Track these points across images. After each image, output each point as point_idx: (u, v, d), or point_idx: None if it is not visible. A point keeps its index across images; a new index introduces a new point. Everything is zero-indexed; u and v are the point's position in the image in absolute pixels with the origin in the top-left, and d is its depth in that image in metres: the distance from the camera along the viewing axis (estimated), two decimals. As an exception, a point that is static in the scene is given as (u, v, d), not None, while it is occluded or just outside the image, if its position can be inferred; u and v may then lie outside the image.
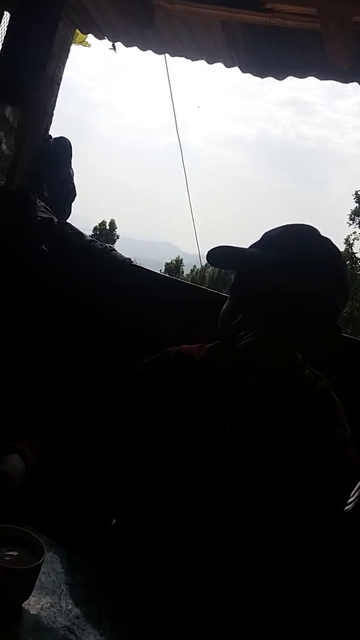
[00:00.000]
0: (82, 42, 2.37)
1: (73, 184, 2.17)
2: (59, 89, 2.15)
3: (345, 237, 25.83)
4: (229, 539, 0.91)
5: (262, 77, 1.97)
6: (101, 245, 1.84)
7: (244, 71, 1.97)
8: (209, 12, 1.78)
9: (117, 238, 32.58)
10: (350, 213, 26.04)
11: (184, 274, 31.70)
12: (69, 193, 2.17)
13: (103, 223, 32.76)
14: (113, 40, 2.16)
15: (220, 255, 0.98)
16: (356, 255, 25.32)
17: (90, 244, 1.84)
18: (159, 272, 1.91)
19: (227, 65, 2.01)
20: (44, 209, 1.95)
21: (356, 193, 25.20)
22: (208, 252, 0.98)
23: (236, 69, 2.00)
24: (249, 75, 1.99)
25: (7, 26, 2.11)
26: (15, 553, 0.78)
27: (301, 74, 1.87)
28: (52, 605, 0.78)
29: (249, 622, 0.88)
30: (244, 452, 0.86)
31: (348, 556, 0.82)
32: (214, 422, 0.97)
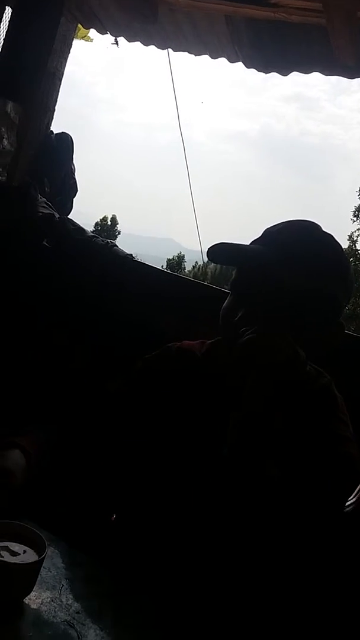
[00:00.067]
0: (84, 37, 2.36)
1: (74, 179, 2.17)
2: (60, 84, 2.14)
3: (349, 234, 25.79)
4: (229, 535, 0.91)
5: (266, 73, 1.96)
6: (102, 241, 1.84)
7: (247, 66, 1.96)
8: (213, 6, 1.77)
9: (119, 234, 32.58)
10: (354, 210, 25.99)
11: (185, 270, 31.69)
12: (71, 189, 2.16)
13: (104, 219, 32.75)
14: (115, 35, 2.14)
15: (220, 252, 0.98)
16: (359, 252, 25.30)
17: (92, 239, 1.84)
18: (160, 268, 1.90)
19: (231, 61, 2.00)
20: (45, 205, 1.94)
21: (360, 190, 25.16)
22: (208, 248, 0.98)
23: (240, 64, 1.99)
24: (252, 70, 1.97)
25: (9, 21, 2.10)
26: (17, 548, 0.78)
27: (306, 70, 1.86)
28: (52, 600, 0.78)
29: (248, 618, 0.88)
30: (245, 449, 0.86)
31: (348, 553, 0.82)
32: (215, 418, 0.98)
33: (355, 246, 25.39)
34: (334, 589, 0.83)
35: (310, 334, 0.94)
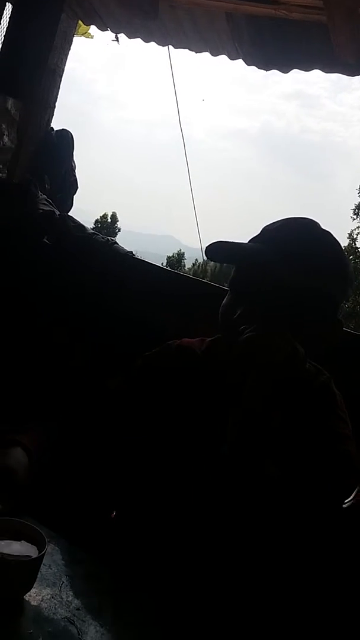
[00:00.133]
0: (85, 34, 2.35)
1: (75, 176, 2.17)
2: (61, 80, 2.14)
3: (349, 232, 25.76)
4: (229, 533, 0.91)
5: (266, 70, 1.96)
6: (103, 238, 1.84)
7: (248, 64, 1.96)
8: (214, 3, 1.76)
9: (119, 231, 32.54)
10: (354, 207, 25.96)
11: (185, 268, 31.66)
12: (71, 186, 2.16)
13: (105, 216, 32.71)
14: (116, 31, 2.14)
15: (219, 251, 0.98)
16: (359, 250, 25.27)
17: (92, 237, 1.84)
18: (160, 265, 1.90)
19: (232, 58, 1.99)
20: (45, 202, 1.94)
21: (360, 187, 25.13)
22: (207, 247, 0.98)
23: (240, 62, 1.98)
24: (253, 67, 1.97)
25: (9, 18, 2.09)
26: (17, 545, 0.78)
27: (306, 67, 1.86)
28: (52, 597, 0.78)
29: (248, 615, 0.89)
30: (245, 446, 0.87)
31: (347, 550, 0.82)
32: (214, 416, 0.98)
33: (355, 244, 25.37)
34: (333, 585, 0.83)
35: (309, 332, 0.94)
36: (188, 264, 33.31)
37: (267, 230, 1.01)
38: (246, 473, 0.86)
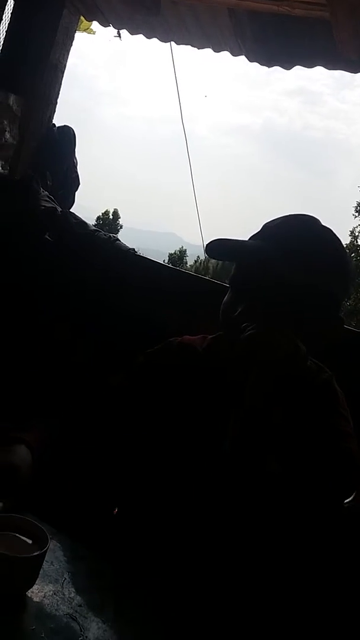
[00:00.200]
0: (87, 30, 2.34)
1: (77, 173, 2.16)
2: (63, 77, 2.13)
3: (351, 230, 25.67)
4: (230, 530, 0.92)
5: (269, 67, 1.95)
6: (105, 235, 1.84)
7: (250, 60, 1.95)
8: (216, -1, 1.75)
9: (121, 228, 32.51)
10: (356, 205, 25.86)
11: (187, 265, 31.64)
12: (73, 182, 2.15)
13: (106, 213, 32.67)
14: (118, 27, 2.13)
15: (219, 248, 0.98)
16: (361, 247, 25.22)
17: (94, 233, 1.84)
18: (162, 262, 1.90)
19: (234, 54, 1.98)
20: (47, 198, 1.94)
21: (362, 185, 25.03)
22: (207, 244, 0.97)
23: (243, 58, 1.97)
24: (255, 64, 1.96)
25: (11, 13, 2.08)
26: (19, 541, 0.79)
27: (309, 64, 1.85)
28: (55, 593, 0.79)
29: (249, 612, 0.89)
30: (246, 444, 0.87)
31: (347, 548, 0.82)
32: (216, 413, 0.98)
33: (357, 242, 25.30)
34: (333, 583, 0.83)
35: (310, 329, 0.94)
36: (190, 261, 33.27)
37: (267, 227, 1.00)
38: (247, 470, 0.86)
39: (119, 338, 1.68)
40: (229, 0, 1.73)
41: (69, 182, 2.14)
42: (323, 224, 1.00)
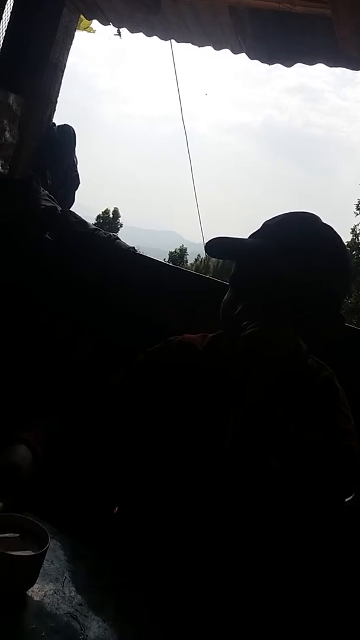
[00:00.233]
0: (87, 28, 2.34)
1: (77, 172, 2.16)
2: (62, 75, 2.13)
3: (352, 227, 25.62)
4: (230, 529, 0.92)
5: (270, 64, 1.94)
6: (105, 233, 1.84)
7: (251, 57, 1.95)
8: (216, -4, 1.75)
9: (121, 226, 32.50)
10: (357, 202, 25.79)
11: (187, 263, 31.62)
12: (73, 181, 2.15)
13: (107, 211, 32.66)
14: (118, 26, 2.13)
15: (219, 247, 0.98)
16: (362, 245, 25.16)
17: (94, 232, 1.83)
18: (162, 261, 1.90)
19: (235, 52, 1.98)
20: (47, 198, 1.94)
21: (363, 183, 24.94)
22: (207, 243, 0.97)
23: (243, 55, 1.97)
24: (256, 61, 1.96)
25: (11, 12, 2.08)
26: (19, 541, 0.79)
27: (310, 61, 1.84)
28: (55, 592, 0.79)
29: (249, 611, 0.89)
30: (247, 442, 0.87)
31: (348, 546, 0.82)
32: (216, 411, 0.98)
33: (358, 239, 25.24)
34: (334, 581, 0.83)
35: (310, 327, 0.94)
36: (190, 259, 33.26)
37: (267, 225, 1.00)
38: (248, 468, 0.86)
39: (119, 337, 1.68)
40: (229, -2, 1.73)
41: (69, 181, 2.14)
42: (323, 221, 1.00)
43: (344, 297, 1.01)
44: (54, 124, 2.14)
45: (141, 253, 1.83)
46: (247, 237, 1.00)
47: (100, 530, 1.04)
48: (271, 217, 1.01)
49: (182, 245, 34.61)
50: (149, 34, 2.09)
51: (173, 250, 33.73)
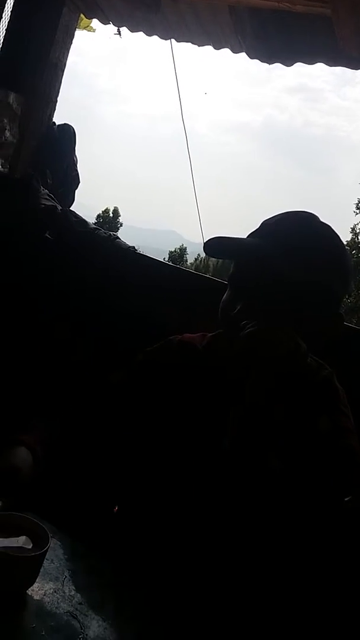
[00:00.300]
0: (87, 27, 2.34)
1: (77, 171, 2.16)
2: (63, 75, 2.13)
3: (352, 227, 25.57)
4: (230, 528, 0.92)
5: (269, 63, 1.94)
6: (105, 233, 1.84)
7: (251, 57, 1.94)
8: (216, -4, 1.75)
9: (121, 226, 32.49)
10: (357, 202, 25.75)
11: (187, 263, 31.61)
12: (73, 180, 2.15)
13: (107, 211, 32.65)
14: (118, 25, 2.12)
15: (217, 246, 0.97)
16: (362, 245, 25.11)
17: (94, 231, 1.83)
18: (162, 260, 1.90)
19: (235, 51, 1.98)
20: (47, 197, 1.94)
21: (363, 182, 24.90)
22: (205, 243, 0.97)
23: (243, 55, 1.97)
24: (256, 61, 1.96)
25: (11, 11, 2.08)
26: (20, 540, 0.79)
27: (310, 60, 1.84)
28: (55, 591, 0.79)
29: (249, 610, 0.89)
30: (247, 441, 0.87)
31: (348, 545, 0.82)
32: (215, 411, 0.98)
33: (357, 239, 25.20)
34: (333, 580, 0.83)
35: (310, 326, 0.94)
36: (190, 258, 33.24)
37: (266, 224, 1.00)
38: (247, 467, 0.86)
39: (119, 336, 1.68)
40: (229, -3, 1.73)
41: (69, 180, 2.14)
42: (322, 220, 1.00)
43: (343, 296, 1.01)
44: (54, 123, 2.14)
45: (141, 252, 1.83)
46: (245, 236, 1.00)
47: (100, 529, 1.05)
48: (270, 217, 1.01)
49: (182, 245, 34.59)
50: (149, 34, 2.09)
51: (173, 249, 33.71)
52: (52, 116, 2.14)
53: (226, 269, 1.06)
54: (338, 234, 1.00)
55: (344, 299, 1.06)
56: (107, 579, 0.87)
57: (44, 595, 0.77)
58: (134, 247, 1.82)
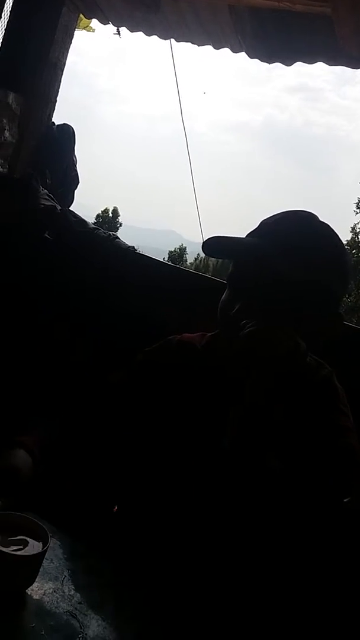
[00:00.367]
0: (86, 27, 2.34)
1: (76, 171, 2.16)
2: (62, 75, 2.13)
3: (352, 226, 25.55)
4: (230, 528, 0.92)
5: (269, 63, 1.94)
6: (104, 233, 1.84)
7: (251, 57, 1.94)
8: (216, -5, 1.75)
9: (120, 226, 32.49)
10: (357, 201, 25.73)
11: (187, 262, 31.62)
12: (72, 180, 2.15)
13: (106, 211, 32.65)
14: (117, 25, 2.12)
15: (216, 246, 0.97)
16: (362, 244, 25.10)
17: (93, 231, 1.83)
18: (162, 260, 1.90)
19: (234, 51, 1.98)
20: (46, 197, 1.94)
21: (363, 182, 24.88)
22: (204, 242, 0.97)
23: (243, 54, 1.97)
24: (256, 60, 1.95)
25: (10, 11, 2.08)
26: (20, 540, 0.79)
27: (310, 60, 1.84)
28: (55, 591, 0.79)
29: (249, 610, 0.89)
30: (246, 441, 0.87)
31: (348, 544, 0.82)
32: (215, 410, 0.98)
33: (357, 238, 25.18)
34: (333, 580, 0.83)
35: (309, 326, 0.94)
36: (190, 258, 33.24)
37: (265, 224, 1.00)
38: (247, 467, 0.86)
39: (119, 336, 1.68)
40: (229, -3, 1.73)
41: (69, 180, 2.14)
42: (321, 219, 1.00)
43: (342, 295, 1.01)
44: (54, 123, 2.14)
45: (141, 252, 1.83)
46: (244, 236, 1.00)
47: (100, 529, 1.04)
48: (269, 216, 1.01)
49: (182, 245, 34.58)
50: (148, 33, 2.09)
51: (172, 249, 33.71)
52: (52, 116, 2.14)
53: (226, 269, 1.06)
54: (337, 233, 0.99)
55: (344, 299, 1.06)
56: (107, 578, 0.87)
57: (44, 594, 0.77)
58: (133, 247, 1.82)
